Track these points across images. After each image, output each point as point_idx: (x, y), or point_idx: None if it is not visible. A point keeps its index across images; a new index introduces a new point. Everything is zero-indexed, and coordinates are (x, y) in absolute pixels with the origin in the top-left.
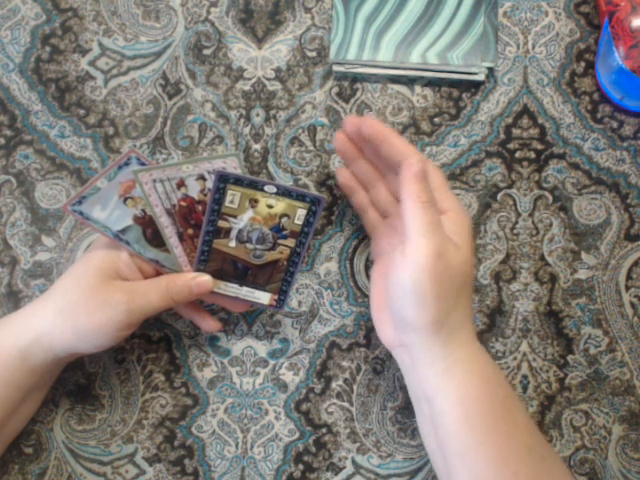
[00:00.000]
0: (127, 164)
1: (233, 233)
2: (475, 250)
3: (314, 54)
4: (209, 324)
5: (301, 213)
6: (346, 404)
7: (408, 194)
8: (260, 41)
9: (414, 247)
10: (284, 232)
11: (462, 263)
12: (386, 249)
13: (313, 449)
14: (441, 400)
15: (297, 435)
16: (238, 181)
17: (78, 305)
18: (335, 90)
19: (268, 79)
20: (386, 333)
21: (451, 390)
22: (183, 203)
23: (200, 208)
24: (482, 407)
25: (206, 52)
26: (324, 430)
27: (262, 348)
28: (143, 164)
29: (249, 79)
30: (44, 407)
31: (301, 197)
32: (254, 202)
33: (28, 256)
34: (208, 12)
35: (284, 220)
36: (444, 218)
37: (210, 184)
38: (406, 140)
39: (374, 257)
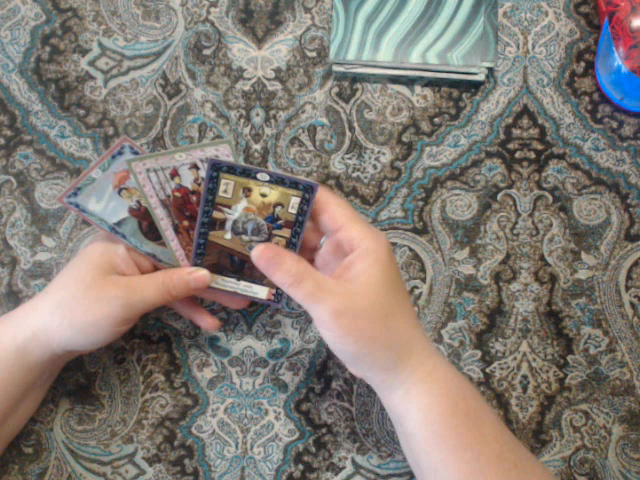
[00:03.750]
0: (120, 153)
1: (228, 224)
2: (396, 270)
3: (314, 54)
4: (208, 322)
5: (295, 201)
6: (346, 404)
7: (278, 284)
8: (260, 41)
9: (314, 314)
10: (279, 222)
11: (371, 304)
12: None
13: (313, 449)
14: (408, 422)
15: (297, 435)
16: (231, 169)
17: (74, 301)
18: (335, 90)
19: (268, 79)
20: (347, 367)
21: (414, 412)
22: (177, 194)
23: (194, 199)
24: (446, 424)
25: (206, 52)
26: (324, 430)
27: (262, 348)
28: (137, 153)
29: (249, 79)
30: (44, 407)
31: (294, 184)
32: (248, 191)
33: (28, 256)
34: (208, 12)
35: (278, 209)
36: (351, 258)
37: (203, 173)
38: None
39: None
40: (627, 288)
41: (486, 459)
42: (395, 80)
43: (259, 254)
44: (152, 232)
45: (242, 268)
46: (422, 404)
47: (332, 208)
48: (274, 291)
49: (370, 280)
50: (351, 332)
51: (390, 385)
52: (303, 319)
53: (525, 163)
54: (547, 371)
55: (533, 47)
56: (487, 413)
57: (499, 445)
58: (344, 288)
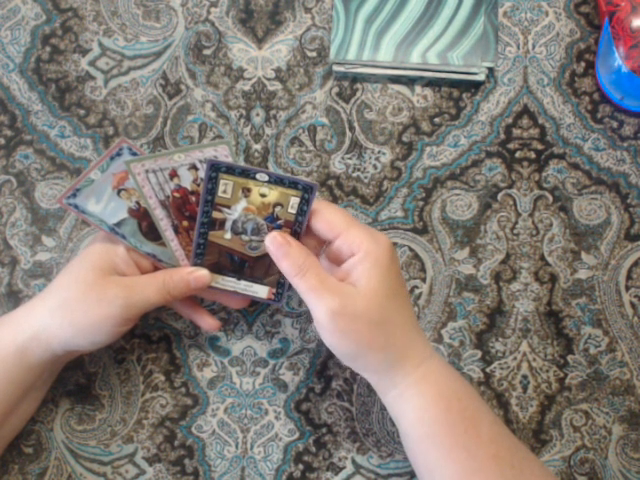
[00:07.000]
0: (119, 154)
1: (228, 224)
2: (397, 272)
3: (314, 54)
4: (208, 322)
5: (294, 201)
6: (346, 404)
7: (284, 272)
8: (260, 41)
9: (313, 311)
10: (278, 222)
11: (369, 307)
12: None
13: (313, 449)
14: (403, 422)
15: (297, 435)
16: (230, 170)
17: (75, 301)
18: (335, 90)
19: (268, 79)
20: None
21: (408, 413)
22: (176, 194)
23: (194, 199)
24: (441, 425)
25: (206, 52)
26: (324, 430)
27: (262, 348)
28: (135, 154)
29: (249, 79)
30: (44, 407)
31: (294, 184)
32: (247, 191)
33: (28, 256)
34: (208, 12)
35: (278, 209)
36: (352, 262)
37: (202, 174)
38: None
39: None
40: (627, 288)
41: (482, 459)
42: (395, 80)
43: (271, 239)
44: (152, 232)
45: (242, 268)
46: (415, 405)
47: (328, 216)
48: (274, 290)
49: (370, 283)
50: (347, 334)
51: (384, 386)
52: (303, 319)
53: (525, 163)
54: (547, 371)
55: (533, 47)
56: (484, 414)
57: (495, 445)
58: (345, 289)
